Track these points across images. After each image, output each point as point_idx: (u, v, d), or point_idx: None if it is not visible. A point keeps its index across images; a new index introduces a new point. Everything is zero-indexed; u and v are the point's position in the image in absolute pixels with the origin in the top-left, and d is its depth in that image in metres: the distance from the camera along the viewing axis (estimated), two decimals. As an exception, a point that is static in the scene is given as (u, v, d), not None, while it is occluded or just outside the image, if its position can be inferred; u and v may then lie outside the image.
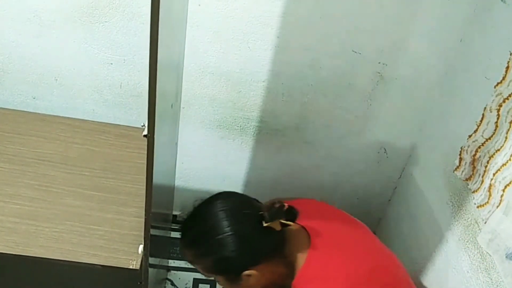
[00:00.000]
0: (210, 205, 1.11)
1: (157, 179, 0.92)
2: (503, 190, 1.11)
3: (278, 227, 1.04)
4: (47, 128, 1.37)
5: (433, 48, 1.38)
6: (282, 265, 1.07)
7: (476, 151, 1.23)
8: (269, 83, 1.45)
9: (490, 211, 1.15)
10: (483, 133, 1.21)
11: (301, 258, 1.07)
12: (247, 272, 1.05)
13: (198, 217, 1.11)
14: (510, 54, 1.13)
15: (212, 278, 1.45)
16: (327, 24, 1.34)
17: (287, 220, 1.04)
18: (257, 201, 1.12)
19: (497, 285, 1.11)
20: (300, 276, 1.06)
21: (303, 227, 1.12)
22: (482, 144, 1.21)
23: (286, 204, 1.05)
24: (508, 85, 1.12)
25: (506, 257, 1.07)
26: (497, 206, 1.12)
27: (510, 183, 1.09)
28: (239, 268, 1.05)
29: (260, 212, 1.05)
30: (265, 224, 1.03)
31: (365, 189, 1.74)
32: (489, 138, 1.18)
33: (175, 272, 1.71)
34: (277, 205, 1.05)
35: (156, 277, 1.36)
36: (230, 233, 1.04)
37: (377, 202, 1.79)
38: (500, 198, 1.12)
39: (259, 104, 1.50)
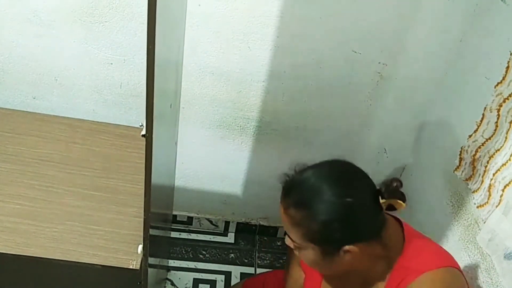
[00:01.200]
0: (322, 168, 1.01)
1: (156, 179, 0.92)
2: (503, 190, 1.11)
3: (385, 208, 0.96)
4: (47, 128, 1.37)
5: (433, 48, 1.38)
6: (380, 248, 0.98)
7: (476, 151, 1.23)
8: (269, 83, 1.45)
9: (489, 211, 1.15)
10: (483, 133, 1.21)
11: (398, 239, 1.01)
12: (347, 247, 0.93)
13: (308, 178, 0.99)
14: (510, 54, 1.13)
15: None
16: (327, 24, 1.34)
17: (402, 202, 0.96)
18: (369, 176, 1.03)
19: (497, 285, 1.11)
20: (406, 253, 0.99)
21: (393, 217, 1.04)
22: (482, 144, 1.21)
23: (402, 184, 0.98)
24: (508, 85, 1.12)
25: (505, 257, 1.07)
26: (497, 206, 1.12)
27: (509, 183, 1.09)
28: (340, 240, 0.94)
29: (377, 188, 0.98)
30: (381, 201, 0.94)
31: (365, 189, 1.74)
32: (489, 138, 1.18)
33: (175, 272, 1.71)
34: (395, 183, 0.97)
35: (156, 277, 1.36)
36: (342, 200, 0.94)
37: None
38: (499, 198, 1.12)
39: (259, 104, 1.50)
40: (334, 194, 0.94)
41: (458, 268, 1.01)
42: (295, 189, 0.99)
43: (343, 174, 1.01)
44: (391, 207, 0.97)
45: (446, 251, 1.05)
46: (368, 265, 1.00)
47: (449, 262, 1.01)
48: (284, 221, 0.99)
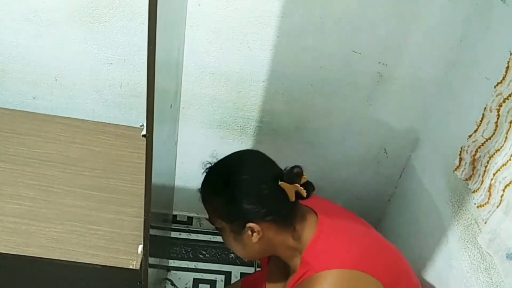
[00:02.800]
0: (234, 153, 1.13)
1: (156, 179, 0.92)
2: (503, 190, 1.11)
3: (292, 196, 1.03)
4: (47, 128, 1.37)
5: (433, 48, 1.38)
6: (288, 233, 1.06)
7: (476, 151, 1.23)
8: (269, 83, 1.45)
9: (490, 211, 1.15)
10: (483, 133, 1.21)
11: (309, 234, 1.07)
12: (252, 224, 1.03)
13: (221, 161, 1.13)
14: (510, 54, 1.13)
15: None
16: (327, 24, 1.34)
17: (303, 189, 1.03)
18: (277, 165, 1.13)
19: (497, 285, 1.11)
20: (309, 249, 1.05)
21: (311, 209, 1.12)
22: (482, 144, 1.21)
23: (305, 177, 1.05)
24: (508, 85, 1.12)
25: (507, 257, 1.07)
26: (497, 206, 1.12)
27: (510, 183, 1.09)
28: (245, 216, 1.03)
29: (279, 171, 1.06)
30: (280, 183, 1.03)
31: (365, 189, 1.74)
32: (489, 138, 1.18)
33: (175, 272, 1.71)
34: (296, 170, 1.05)
35: (156, 277, 1.36)
36: (247, 176, 1.05)
37: (377, 202, 1.78)
38: (500, 198, 1.12)
39: (259, 104, 1.50)
40: (233, 173, 1.06)
41: (370, 272, 1.02)
42: (207, 172, 1.12)
43: (246, 158, 1.12)
44: (299, 196, 1.04)
45: (362, 253, 1.07)
46: (282, 253, 1.08)
47: (355, 265, 1.02)
48: (204, 201, 1.12)
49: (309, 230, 1.07)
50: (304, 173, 1.05)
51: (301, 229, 1.07)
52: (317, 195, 1.51)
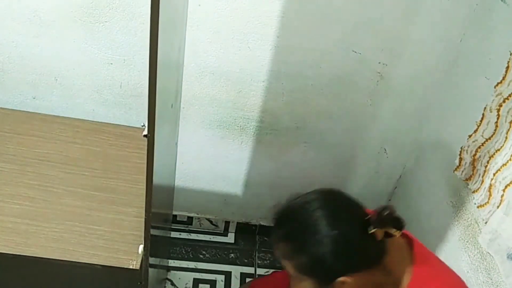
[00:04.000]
0: (311, 200, 1.00)
1: (157, 179, 0.92)
2: (504, 190, 1.11)
3: (381, 236, 0.95)
4: (47, 128, 1.37)
5: (433, 48, 1.38)
6: (381, 275, 0.97)
7: (476, 151, 1.23)
8: (269, 83, 1.45)
9: (490, 211, 1.15)
10: (483, 133, 1.21)
11: (405, 271, 0.99)
12: (341, 279, 0.93)
13: (297, 210, 1.00)
14: (510, 54, 1.13)
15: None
16: (327, 24, 1.34)
17: (395, 229, 0.94)
18: (361, 204, 1.02)
19: (497, 285, 1.11)
20: (415, 278, 0.98)
21: (404, 238, 1.03)
22: (482, 144, 1.21)
23: (395, 212, 0.95)
24: (508, 85, 1.12)
25: (508, 257, 1.07)
26: (498, 206, 1.12)
27: (510, 183, 1.09)
28: (333, 272, 0.94)
29: (367, 217, 0.96)
30: (371, 231, 0.93)
31: (365, 189, 1.74)
32: (489, 138, 1.18)
33: (175, 272, 1.71)
34: (386, 212, 0.94)
35: (156, 277, 1.36)
36: (331, 233, 0.94)
37: (377, 202, 1.78)
38: (500, 198, 1.12)
39: (259, 104, 1.50)
40: (321, 227, 0.94)
41: None
42: (284, 222, 1.00)
43: (330, 205, 0.99)
44: (388, 234, 0.96)
45: (458, 279, 1.01)
46: None
47: None
48: (276, 253, 1.01)
49: (403, 260, 0.99)
50: (394, 210, 0.94)
51: (391, 261, 0.98)
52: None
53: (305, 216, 0.97)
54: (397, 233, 0.94)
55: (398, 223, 0.95)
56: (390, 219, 0.94)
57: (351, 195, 1.02)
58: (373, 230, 0.93)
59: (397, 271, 0.99)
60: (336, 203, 1.00)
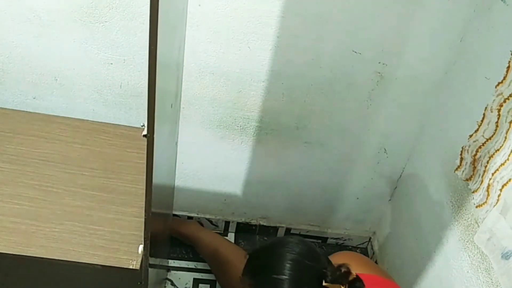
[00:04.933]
0: (280, 244, 1.09)
1: (157, 179, 0.92)
2: (501, 190, 1.11)
3: None
4: (47, 128, 1.37)
5: (433, 48, 1.38)
6: None
7: (477, 151, 1.23)
8: (269, 83, 1.45)
9: (487, 210, 1.15)
10: (483, 133, 1.21)
11: None
12: None
13: (265, 251, 1.11)
14: (511, 54, 1.13)
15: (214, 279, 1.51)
16: (327, 24, 1.34)
17: (348, 287, 1.00)
18: (326, 257, 1.09)
19: (497, 285, 1.11)
20: None
21: None
22: (483, 144, 1.21)
23: (354, 274, 1.02)
24: (509, 85, 1.12)
25: (502, 256, 1.07)
26: (494, 206, 1.12)
27: (507, 182, 1.09)
28: None
29: (324, 270, 1.02)
30: (324, 284, 1.00)
31: (365, 189, 1.74)
32: (490, 138, 1.18)
33: (175, 272, 1.71)
34: (343, 270, 1.01)
35: (156, 277, 1.36)
36: (286, 277, 1.00)
37: (377, 202, 1.78)
38: (497, 198, 1.12)
39: (259, 104, 1.50)
40: (277, 269, 1.02)
41: None
42: (251, 259, 1.11)
43: (293, 251, 1.05)
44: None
45: None
46: None
47: None
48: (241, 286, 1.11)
49: None
50: (351, 271, 1.01)
51: None
52: (314, 197, 1.51)
53: (269, 257, 1.07)
54: None
55: (353, 284, 1.01)
56: (345, 278, 1.00)
57: (315, 247, 1.09)
58: (325, 284, 0.99)
59: None
60: (300, 250, 1.05)
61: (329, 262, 1.07)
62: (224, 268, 1.60)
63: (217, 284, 1.70)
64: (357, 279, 1.03)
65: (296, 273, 1.01)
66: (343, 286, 1.00)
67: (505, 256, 1.06)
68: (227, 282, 1.59)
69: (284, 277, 1.00)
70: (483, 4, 1.27)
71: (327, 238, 1.91)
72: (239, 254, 1.63)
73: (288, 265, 1.02)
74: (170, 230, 1.72)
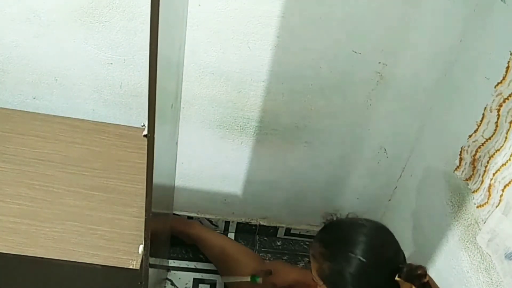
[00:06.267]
0: (363, 223, 1.07)
1: (157, 179, 0.92)
2: (503, 190, 1.11)
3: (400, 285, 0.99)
4: (47, 128, 1.37)
5: (433, 48, 1.38)
6: None
7: (477, 151, 1.23)
8: (269, 83, 1.45)
9: (489, 211, 1.15)
10: (483, 133, 1.21)
11: None
12: None
13: (346, 225, 1.08)
14: (510, 54, 1.13)
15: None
16: (327, 24, 1.34)
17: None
18: (404, 254, 1.07)
19: (497, 285, 1.11)
20: None
21: None
22: (482, 144, 1.21)
23: (428, 277, 1.00)
24: (509, 85, 1.12)
25: (505, 257, 1.07)
26: (497, 206, 1.12)
27: (509, 183, 1.09)
28: None
29: (401, 265, 1.00)
30: (396, 278, 0.98)
31: (365, 189, 1.74)
32: (489, 138, 1.18)
33: (175, 272, 1.71)
34: (419, 271, 0.98)
35: (156, 277, 1.36)
36: (362, 258, 0.99)
37: (377, 202, 1.79)
38: (499, 198, 1.12)
39: (259, 104, 1.50)
40: (355, 248, 1.00)
41: None
42: (330, 228, 1.08)
43: (376, 236, 1.05)
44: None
45: None
46: None
47: None
48: (310, 251, 1.09)
49: None
50: (426, 275, 0.99)
51: None
52: (314, 197, 1.51)
53: (350, 234, 1.04)
54: None
55: (424, 285, 0.98)
56: (419, 279, 0.97)
57: (397, 241, 1.06)
58: (397, 279, 0.97)
59: None
60: (383, 237, 1.05)
61: (405, 259, 1.05)
62: (233, 267, 1.60)
63: (217, 284, 1.70)
64: (428, 284, 1.00)
65: (373, 259, 1.00)
66: (414, 286, 0.98)
67: (509, 256, 1.06)
68: (237, 282, 1.58)
69: (361, 259, 0.99)
70: (483, 4, 1.27)
71: (327, 238, 1.91)
72: (247, 253, 1.65)
73: (369, 249, 1.00)
74: (173, 230, 1.72)
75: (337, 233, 1.07)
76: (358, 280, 0.99)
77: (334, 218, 1.11)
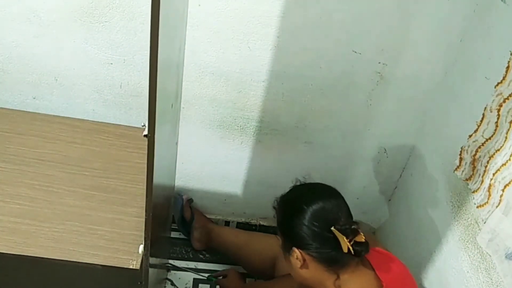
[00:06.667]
0: (318, 183, 1.24)
1: (157, 179, 0.92)
2: (503, 190, 1.11)
3: (345, 248, 1.06)
4: (47, 128, 1.37)
5: (433, 48, 1.38)
6: (330, 277, 1.11)
7: (476, 151, 1.23)
8: (269, 83, 1.45)
9: (489, 211, 1.15)
10: (483, 133, 1.21)
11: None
12: (296, 249, 1.11)
13: (305, 184, 1.24)
14: (510, 54, 1.13)
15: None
16: (327, 24, 1.34)
17: (351, 244, 1.05)
18: (350, 212, 1.17)
19: (497, 285, 1.11)
20: None
21: (377, 276, 1.14)
22: (482, 144, 1.21)
23: (362, 234, 1.08)
24: (509, 85, 1.13)
25: (506, 257, 1.07)
26: (497, 206, 1.13)
27: (509, 183, 1.09)
28: (294, 240, 1.12)
29: (339, 217, 1.10)
30: (331, 228, 1.07)
31: (365, 189, 1.74)
32: (489, 138, 1.18)
33: (175, 272, 1.71)
34: (354, 227, 1.08)
35: (156, 277, 1.36)
36: (311, 209, 1.11)
37: (377, 202, 1.79)
38: (499, 198, 1.12)
39: (259, 104, 1.50)
40: (299, 199, 1.16)
41: None
42: (290, 189, 1.23)
43: (318, 192, 1.20)
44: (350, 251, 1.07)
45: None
46: (316, 284, 1.14)
47: None
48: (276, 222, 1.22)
49: (354, 286, 1.11)
50: (360, 232, 1.08)
51: (345, 280, 1.11)
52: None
53: (297, 189, 1.22)
54: (344, 246, 1.05)
55: (358, 244, 1.07)
56: (350, 232, 1.07)
57: (345, 203, 1.19)
58: (332, 229, 1.07)
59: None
60: (324, 194, 1.18)
61: (349, 216, 1.15)
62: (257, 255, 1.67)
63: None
64: (364, 243, 1.08)
65: (319, 210, 1.11)
66: (347, 239, 1.05)
67: (509, 256, 1.06)
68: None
69: (308, 208, 1.11)
70: (483, 4, 1.27)
71: (327, 238, 1.91)
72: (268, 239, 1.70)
73: (316, 202, 1.12)
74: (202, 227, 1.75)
75: (290, 190, 1.22)
76: (305, 228, 1.10)
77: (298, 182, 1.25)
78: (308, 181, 1.25)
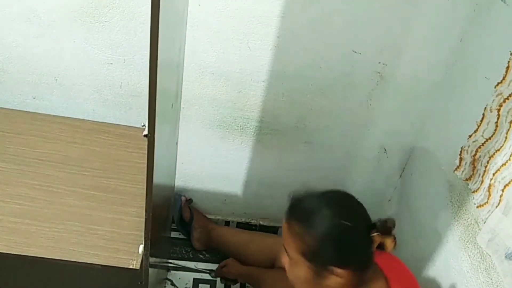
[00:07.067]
0: (329, 192, 1.09)
1: (157, 179, 0.92)
2: (503, 190, 1.11)
3: (377, 243, 1.02)
4: (47, 128, 1.37)
5: (433, 48, 1.38)
6: (359, 282, 1.05)
7: (476, 151, 1.23)
8: (269, 83, 1.45)
9: (489, 211, 1.15)
10: (483, 133, 1.21)
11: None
12: (336, 269, 1.01)
13: (314, 198, 1.08)
14: (510, 54, 1.13)
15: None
16: (327, 24, 1.34)
17: (391, 241, 1.03)
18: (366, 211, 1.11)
19: (497, 285, 1.11)
20: None
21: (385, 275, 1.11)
22: (482, 144, 1.21)
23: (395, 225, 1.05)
24: (509, 85, 1.13)
25: (506, 257, 1.07)
26: (497, 206, 1.13)
27: (509, 183, 1.09)
28: (331, 259, 1.02)
29: (373, 222, 1.04)
30: (374, 234, 1.02)
31: (365, 189, 1.74)
32: (489, 138, 1.18)
33: (175, 272, 1.71)
34: (389, 222, 1.03)
35: (156, 277, 1.36)
36: (343, 221, 1.02)
37: (377, 202, 1.78)
38: (499, 198, 1.12)
39: (259, 104, 1.50)
40: (333, 215, 1.03)
41: None
42: (300, 204, 1.08)
43: (344, 201, 1.09)
44: (381, 246, 1.04)
45: None
46: None
47: None
48: (284, 233, 1.09)
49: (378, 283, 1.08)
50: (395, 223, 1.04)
51: (369, 280, 1.06)
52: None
53: (320, 203, 1.06)
54: (390, 246, 1.03)
55: (395, 238, 1.04)
56: (391, 231, 1.02)
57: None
58: (374, 234, 1.01)
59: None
60: (348, 201, 1.09)
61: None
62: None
63: (217, 284, 1.70)
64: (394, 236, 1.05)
65: (353, 220, 1.03)
66: (391, 239, 1.02)
67: (509, 256, 1.06)
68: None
69: (344, 222, 1.01)
70: (483, 4, 1.27)
71: (327, 238, 1.91)
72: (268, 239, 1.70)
73: (346, 212, 1.04)
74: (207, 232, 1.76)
75: (309, 206, 1.06)
76: (339, 243, 1.02)
77: (297, 193, 1.11)
78: (310, 191, 1.11)
